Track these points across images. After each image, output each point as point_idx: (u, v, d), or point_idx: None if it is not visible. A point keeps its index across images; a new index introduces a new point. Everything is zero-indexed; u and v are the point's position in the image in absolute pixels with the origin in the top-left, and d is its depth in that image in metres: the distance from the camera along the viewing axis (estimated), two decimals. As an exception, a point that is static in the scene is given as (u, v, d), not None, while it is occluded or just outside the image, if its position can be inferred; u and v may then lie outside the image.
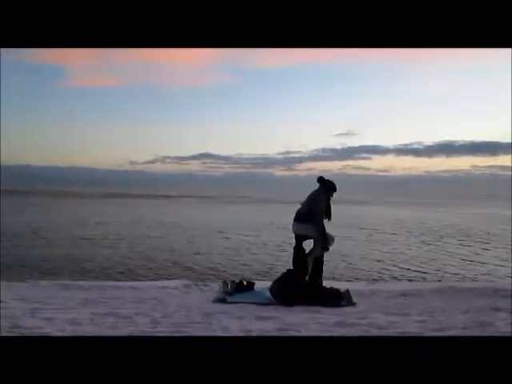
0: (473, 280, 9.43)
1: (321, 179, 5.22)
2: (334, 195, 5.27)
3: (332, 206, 5.24)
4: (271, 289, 4.91)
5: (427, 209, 52.70)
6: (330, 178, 5.30)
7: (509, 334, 3.26)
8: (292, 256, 5.24)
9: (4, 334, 3.06)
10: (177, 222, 24.12)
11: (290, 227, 5.31)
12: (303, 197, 5.35)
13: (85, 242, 14.57)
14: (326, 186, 5.21)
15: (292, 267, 5.15)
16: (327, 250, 5.16)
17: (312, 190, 5.29)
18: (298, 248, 5.20)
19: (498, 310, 4.25)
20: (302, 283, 4.98)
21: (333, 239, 5.20)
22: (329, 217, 5.18)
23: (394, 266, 11.38)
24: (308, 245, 5.28)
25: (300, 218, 5.13)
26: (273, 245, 14.75)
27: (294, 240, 5.30)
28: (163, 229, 19.91)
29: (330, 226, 5.19)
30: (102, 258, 11.56)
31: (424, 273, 10.43)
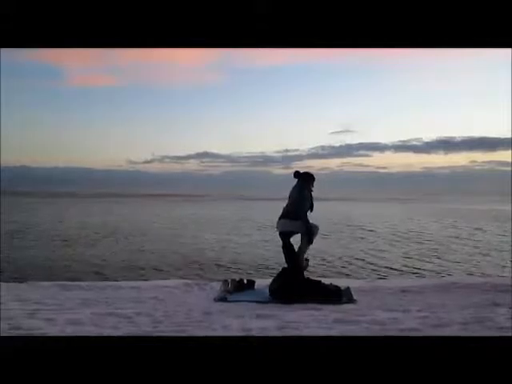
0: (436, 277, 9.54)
1: (298, 174, 5.22)
2: (314, 185, 5.28)
3: (313, 197, 5.25)
4: (270, 290, 4.89)
5: (422, 205, 52.90)
6: (306, 170, 5.30)
7: (509, 334, 3.26)
8: (284, 255, 5.22)
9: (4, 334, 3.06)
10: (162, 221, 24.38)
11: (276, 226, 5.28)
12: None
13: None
14: (305, 179, 5.21)
15: (286, 265, 5.14)
16: (311, 242, 5.16)
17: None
18: (288, 245, 5.18)
19: (497, 305, 4.27)
20: (302, 281, 4.98)
21: (317, 228, 5.19)
22: (311, 208, 5.19)
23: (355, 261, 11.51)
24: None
25: (287, 216, 5.13)
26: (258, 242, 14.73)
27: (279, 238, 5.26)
28: (147, 229, 20.14)
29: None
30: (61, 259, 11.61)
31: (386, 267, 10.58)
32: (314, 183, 5.28)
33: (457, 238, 17.37)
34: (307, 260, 5.25)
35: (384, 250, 13.72)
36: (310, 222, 5.08)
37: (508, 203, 46.42)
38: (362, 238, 17.02)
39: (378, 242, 16.03)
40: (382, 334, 3.31)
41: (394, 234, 18.26)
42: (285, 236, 5.17)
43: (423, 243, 15.66)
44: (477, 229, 20.97)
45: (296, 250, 5.17)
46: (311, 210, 5.17)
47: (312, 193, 5.23)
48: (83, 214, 30.70)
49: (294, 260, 5.06)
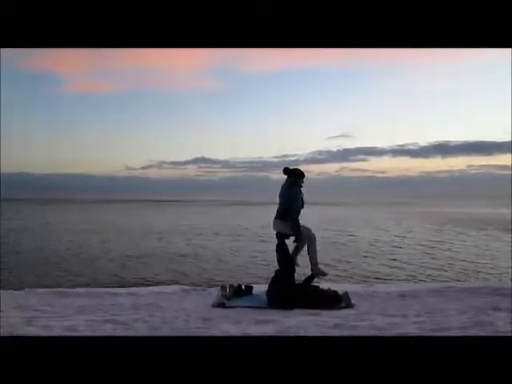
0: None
1: (287, 171, 5.19)
2: (303, 182, 5.24)
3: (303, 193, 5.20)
4: (269, 298, 4.85)
5: (416, 209, 53.36)
6: (296, 167, 5.28)
7: (509, 334, 3.26)
8: (277, 256, 5.18)
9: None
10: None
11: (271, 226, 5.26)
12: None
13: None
14: (295, 176, 5.18)
15: (279, 267, 5.09)
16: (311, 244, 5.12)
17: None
18: (283, 246, 5.15)
19: (496, 309, 4.26)
20: (300, 286, 4.95)
21: (309, 231, 5.16)
22: (302, 206, 5.15)
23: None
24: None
25: (280, 216, 5.11)
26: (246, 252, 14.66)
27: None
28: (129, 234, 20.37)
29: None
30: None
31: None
32: (304, 180, 5.24)
33: (441, 242, 17.46)
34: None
35: (366, 256, 13.79)
36: (302, 224, 5.04)
37: (503, 206, 46.81)
38: (343, 244, 17.06)
39: (358, 247, 16.09)
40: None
41: (376, 239, 18.35)
42: (279, 237, 5.16)
43: (406, 248, 15.74)
44: (461, 233, 21.12)
45: (294, 251, 5.17)
46: (302, 207, 5.12)
47: (302, 189, 5.20)
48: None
49: (287, 263, 5.03)
